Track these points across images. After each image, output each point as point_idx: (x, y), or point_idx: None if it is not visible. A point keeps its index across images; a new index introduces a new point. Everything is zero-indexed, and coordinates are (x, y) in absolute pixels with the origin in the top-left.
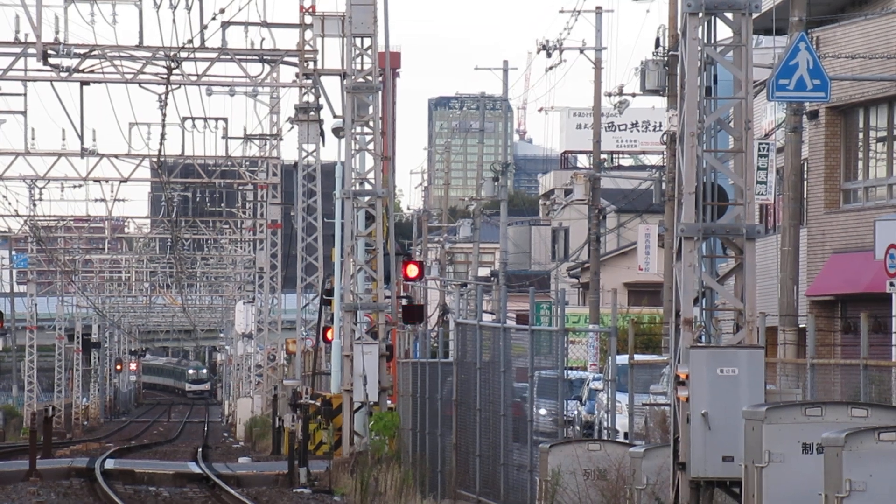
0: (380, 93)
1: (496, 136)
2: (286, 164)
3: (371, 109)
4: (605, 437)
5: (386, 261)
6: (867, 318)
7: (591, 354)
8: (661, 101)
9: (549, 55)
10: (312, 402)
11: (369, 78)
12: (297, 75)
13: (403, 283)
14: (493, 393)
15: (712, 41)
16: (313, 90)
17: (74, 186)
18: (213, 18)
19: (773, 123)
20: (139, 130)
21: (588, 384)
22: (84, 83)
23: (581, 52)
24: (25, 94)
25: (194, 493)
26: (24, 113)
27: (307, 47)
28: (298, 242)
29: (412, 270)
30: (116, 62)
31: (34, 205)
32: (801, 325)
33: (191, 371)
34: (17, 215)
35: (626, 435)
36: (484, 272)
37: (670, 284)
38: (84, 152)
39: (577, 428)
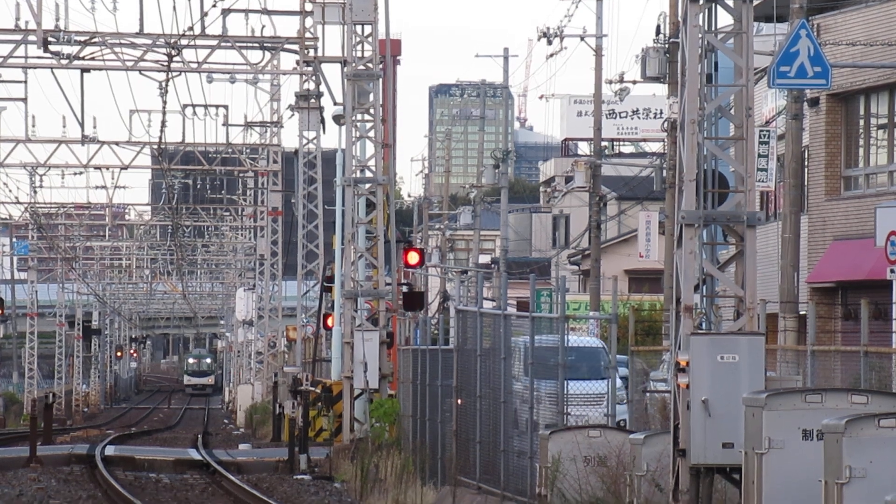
0: (380, 80)
1: (497, 123)
2: (287, 151)
3: (371, 97)
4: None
5: (386, 248)
6: (867, 305)
7: None
8: (661, 89)
9: (549, 42)
10: (313, 388)
11: (370, 65)
12: (297, 63)
13: (404, 270)
14: (494, 380)
15: (713, 28)
16: (314, 77)
17: (75, 173)
18: (214, 6)
19: (774, 110)
20: (140, 118)
21: None
22: (84, 70)
23: (582, 39)
24: (26, 82)
25: (195, 479)
26: (24, 100)
27: (308, 35)
28: (299, 229)
29: (413, 257)
30: (117, 49)
31: (35, 192)
32: (801, 312)
33: (190, 360)
34: (18, 202)
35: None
36: (484, 259)
37: (671, 271)
38: (85, 139)
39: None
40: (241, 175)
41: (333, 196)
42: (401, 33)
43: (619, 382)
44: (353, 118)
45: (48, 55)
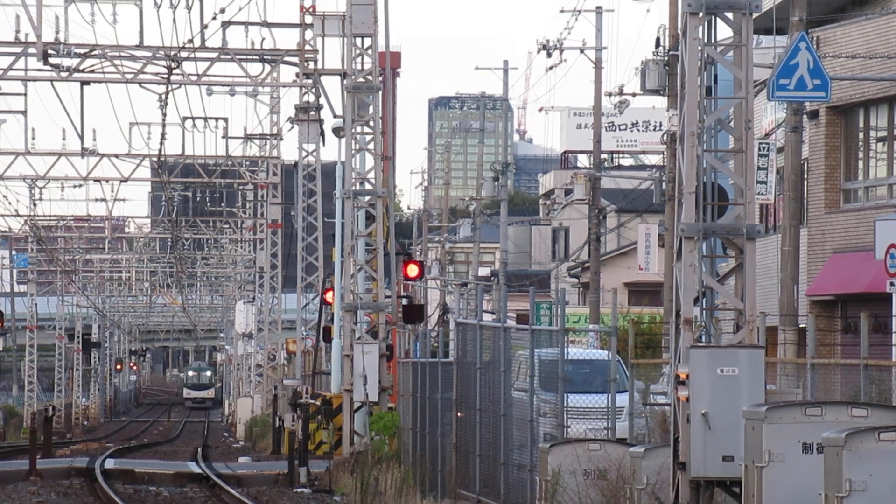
0: (380, 92)
1: (496, 135)
2: (286, 163)
3: (371, 109)
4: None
5: (386, 260)
6: (867, 318)
7: None
8: (661, 101)
9: (549, 55)
10: (312, 401)
11: (369, 78)
12: (297, 75)
13: (403, 282)
14: (494, 392)
15: (713, 41)
16: (313, 90)
17: (75, 186)
18: (214, 18)
19: (774, 123)
20: (139, 130)
21: None
22: (84, 83)
23: (581, 51)
24: (26, 94)
25: (194, 492)
26: (24, 113)
27: (307, 47)
28: (299, 242)
29: (412, 270)
30: (117, 62)
31: (34, 204)
32: (801, 325)
33: (190, 373)
34: (18, 215)
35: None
36: (484, 272)
37: (670, 284)
38: (84, 152)
39: None
40: (240, 187)
41: (333, 208)
42: (400, 45)
43: (636, 396)
44: (353, 130)
45: (48, 68)
